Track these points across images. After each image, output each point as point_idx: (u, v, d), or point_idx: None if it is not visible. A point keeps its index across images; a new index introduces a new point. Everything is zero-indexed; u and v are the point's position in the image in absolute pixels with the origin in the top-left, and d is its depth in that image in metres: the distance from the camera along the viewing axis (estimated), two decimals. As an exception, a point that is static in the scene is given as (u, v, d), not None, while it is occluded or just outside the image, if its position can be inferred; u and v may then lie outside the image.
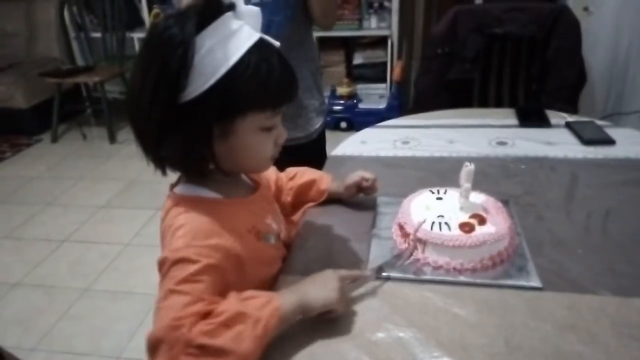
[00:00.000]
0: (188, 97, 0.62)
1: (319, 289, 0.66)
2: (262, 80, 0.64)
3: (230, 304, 0.60)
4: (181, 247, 0.63)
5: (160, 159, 0.69)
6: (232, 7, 0.65)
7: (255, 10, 0.68)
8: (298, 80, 0.71)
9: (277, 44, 0.69)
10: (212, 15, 0.63)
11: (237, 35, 0.64)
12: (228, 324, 0.57)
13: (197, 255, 0.62)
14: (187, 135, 0.64)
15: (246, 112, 0.66)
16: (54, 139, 3.42)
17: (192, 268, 0.61)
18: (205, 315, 0.58)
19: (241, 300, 0.61)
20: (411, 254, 0.80)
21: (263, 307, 0.60)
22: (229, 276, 0.65)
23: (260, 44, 0.66)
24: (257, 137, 0.69)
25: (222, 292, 0.63)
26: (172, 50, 0.60)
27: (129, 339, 1.67)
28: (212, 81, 0.62)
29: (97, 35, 3.52)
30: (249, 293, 0.63)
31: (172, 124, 0.63)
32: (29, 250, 2.22)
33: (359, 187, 0.97)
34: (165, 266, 0.62)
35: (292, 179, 0.98)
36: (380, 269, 0.78)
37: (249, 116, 0.66)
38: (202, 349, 0.55)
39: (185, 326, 0.55)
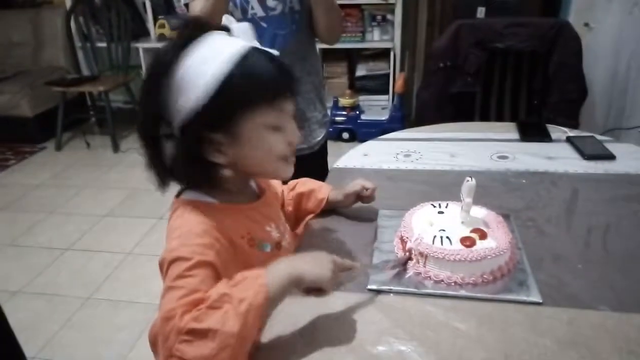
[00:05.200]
0: (180, 117, 0.67)
1: (312, 264, 0.69)
2: (251, 79, 0.67)
3: (218, 288, 0.61)
4: (176, 247, 0.66)
5: (164, 173, 0.73)
6: (224, 29, 0.70)
7: (245, 26, 0.72)
8: (294, 74, 0.73)
9: (275, 52, 0.72)
10: (197, 36, 0.68)
11: (227, 47, 0.67)
12: (214, 306, 0.59)
13: (191, 253, 0.65)
14: (186, 149, 0.69)
15: (244, 112, 0.68)
16: (58, 147, 3.44)
17: (186, 264, 0.63)
18: (198, 303, 0.60)
19: (231, 285, 0.62)
20: (404, 265, 0.82)
21: (250, 286, 0.62)
22: (220, 275, 0.67)
23: (249, 53, 0.68)
24: (265, 136, 0.71)
25: None
26: (157, 76, 0.67)
27: (130, 349, 1.67)
28: (198, 95, 0.66)
29: (103, 45, 3.56)
30: (239, 276, 0.64)
31: (174, 144, 0.69)
32: (31, 258, 2.24)
33: (358, 196, 0.99)
34: (164, 267, 0.66)
35: (292, 189, 1.00)
36: (373, 266, 0.81)
37: (247, 115, 0.68)
38: (193, 333, 0.57)
39: (176, 316, 0.58)
